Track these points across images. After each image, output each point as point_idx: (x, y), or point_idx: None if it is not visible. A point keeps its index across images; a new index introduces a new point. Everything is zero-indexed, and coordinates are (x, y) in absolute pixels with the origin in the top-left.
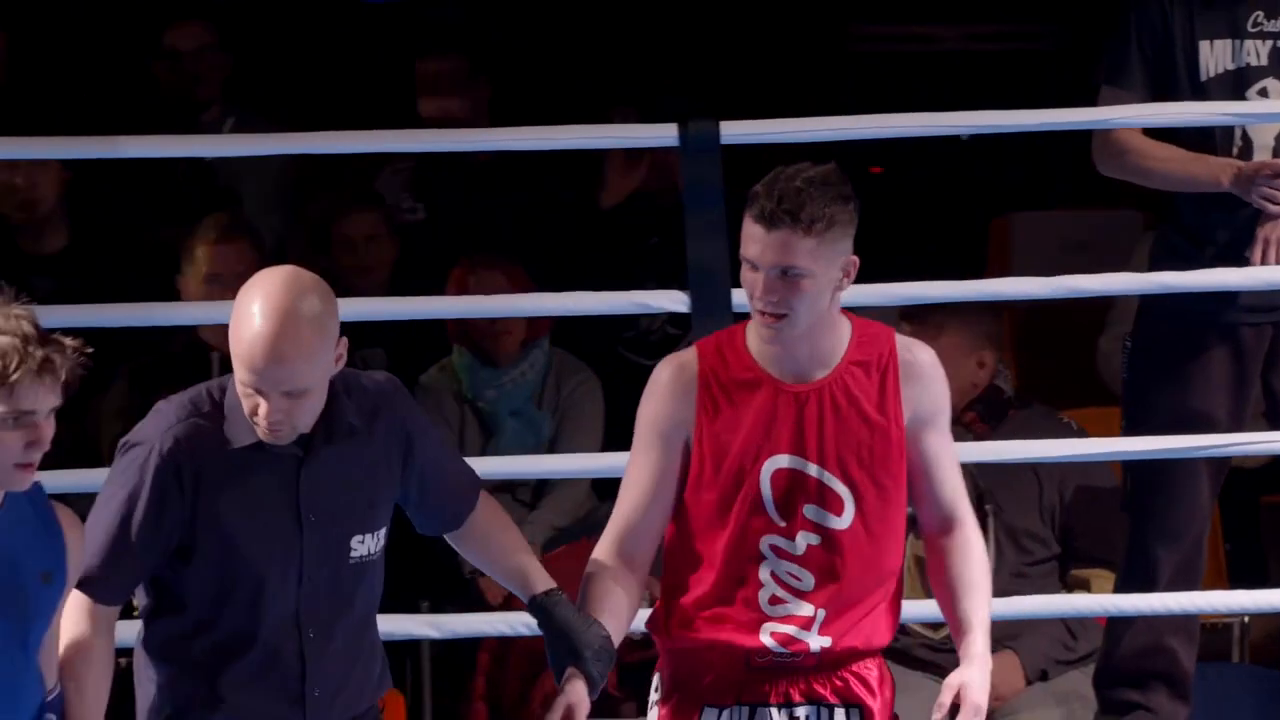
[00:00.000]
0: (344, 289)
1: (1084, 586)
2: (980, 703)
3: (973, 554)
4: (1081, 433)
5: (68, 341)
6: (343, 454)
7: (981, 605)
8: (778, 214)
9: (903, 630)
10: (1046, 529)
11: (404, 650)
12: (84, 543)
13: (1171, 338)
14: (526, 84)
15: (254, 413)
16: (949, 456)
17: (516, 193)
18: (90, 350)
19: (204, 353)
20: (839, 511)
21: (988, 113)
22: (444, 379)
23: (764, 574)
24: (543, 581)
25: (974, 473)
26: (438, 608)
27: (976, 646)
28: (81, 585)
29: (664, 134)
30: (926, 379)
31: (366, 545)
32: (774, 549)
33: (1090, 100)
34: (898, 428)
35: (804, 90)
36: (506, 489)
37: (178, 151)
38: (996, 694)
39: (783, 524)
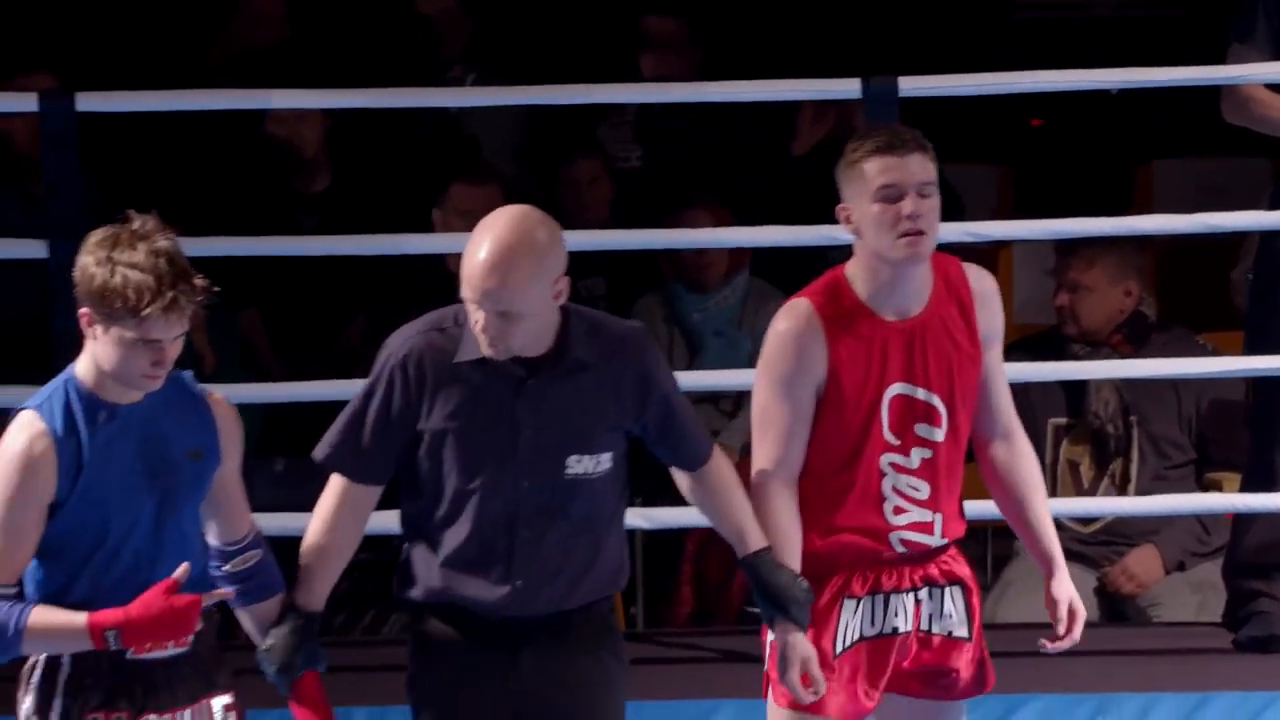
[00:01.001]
0: (567, 225)
1: (1217, 487)
2: (1083, 610)
3: (1031, 461)
4: (1215, 353)
5: (198, 282)
6: (566, 383)
7: (1046, 511)
8: (903, 142)
9: (1056, 525)
10: (1184, 437)
11: None
12: (235, 419)
13: None
14: (731, 46)
15: (477, 325)
16: (1003, 371)
17: (721, 142)
18: (217, 289)
19: (450, 281)
20: (939, 425)
21: (1133, 70)
22: (655, 303)
23: (887, 488)
24: (755, 542)
25: (1120, 387)
26: (650, 502)
27: (1058, 557)
28: (326, 462)
29: (848, 88)
30: (992, 303)
31: (584, 465)
32: (894, 466)
33: (1222, 60)
34: (976, 348)
35: (972, 53)
36: (710, 400)
37: (427, 103)
38: (1139, 582)
39: (898, 443)
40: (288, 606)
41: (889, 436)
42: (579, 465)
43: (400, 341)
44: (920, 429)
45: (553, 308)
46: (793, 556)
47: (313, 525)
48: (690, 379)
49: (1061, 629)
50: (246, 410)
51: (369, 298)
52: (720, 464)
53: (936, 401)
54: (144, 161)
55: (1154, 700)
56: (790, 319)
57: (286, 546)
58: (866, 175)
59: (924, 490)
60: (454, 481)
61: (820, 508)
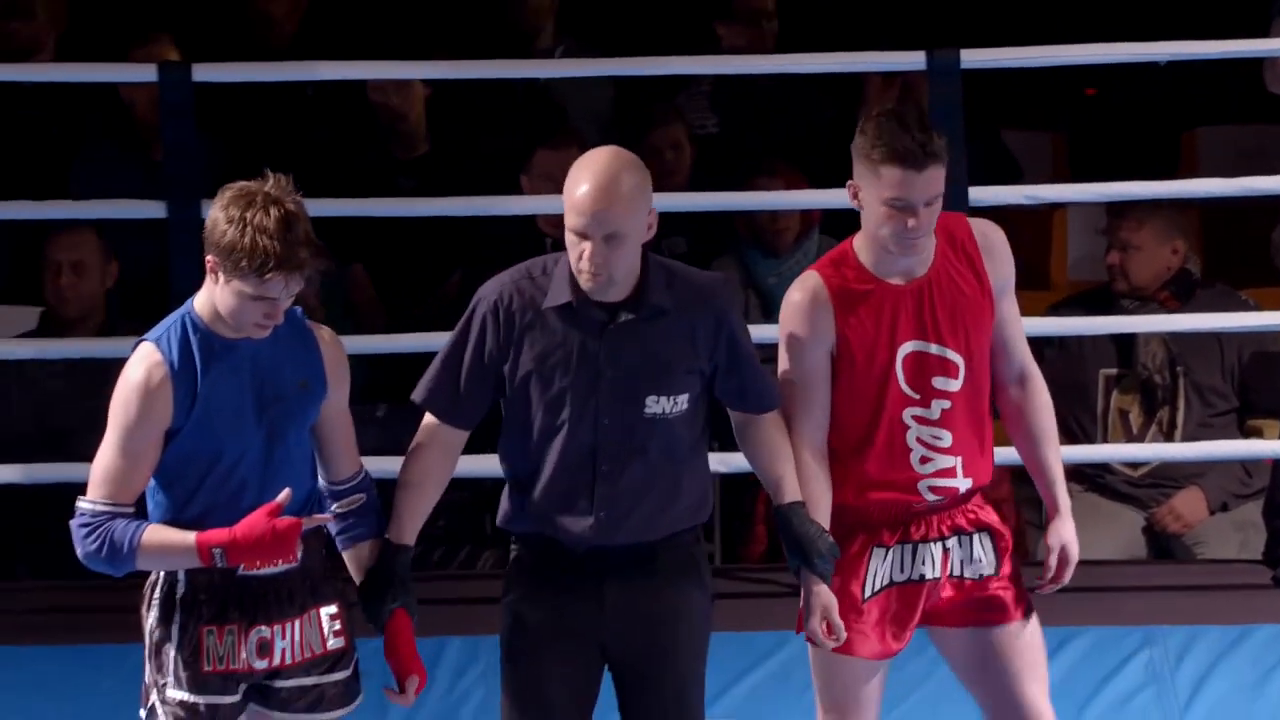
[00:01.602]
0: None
1: (1258, 434)
2: (1076, 556)
3: (1045, 405)
4: (1257, 308)
5: (318, 247)
6: (646, 328)
7: (1057, 456)
8: (923, 155)
9: (1107, 469)
10: (1227, 386)
11: None
12: (342, 353)
13: None
14: (805, 19)
15: (580, 259)
16: (1018, 317)
17: (793, 110)
18: (331, 259)
19: (537, 239)
20: (956, 376)
21: (1182, 43)
22: (731, 267)
23: (911, 440)
24: (791, 494)
25: (1167, 340)
26: (726, 448)
27: (1063, 502)
28: (422, 403)
29: (913, 60)
30: (1000, 253)
31: (661, 405)
32: (915, 418)
33: (1266, 32)
34: (988, 298)
35: (1030, 25)
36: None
37: (518, 74)
38: (1184, 522)
39: (917, 397)
40: (383, 546)
41: (908, 391)
42: (657, 405)
43: (491, 288)
44: (938, 381)
45: (645, 238)
46: (820, 508)
47: (405, 464)
48: (766, 333)
49: (1049, 574)
50: (350, 360)
51: (464, 255)
52: (775, 418)
53: (951, 354)
54: (258, 126)
55: (1198, 633)
56: (800, 290)
57: (387, 489)
58: (881, 179)
59: (946, 439)
60: (541, 420)
61: (852, 464)
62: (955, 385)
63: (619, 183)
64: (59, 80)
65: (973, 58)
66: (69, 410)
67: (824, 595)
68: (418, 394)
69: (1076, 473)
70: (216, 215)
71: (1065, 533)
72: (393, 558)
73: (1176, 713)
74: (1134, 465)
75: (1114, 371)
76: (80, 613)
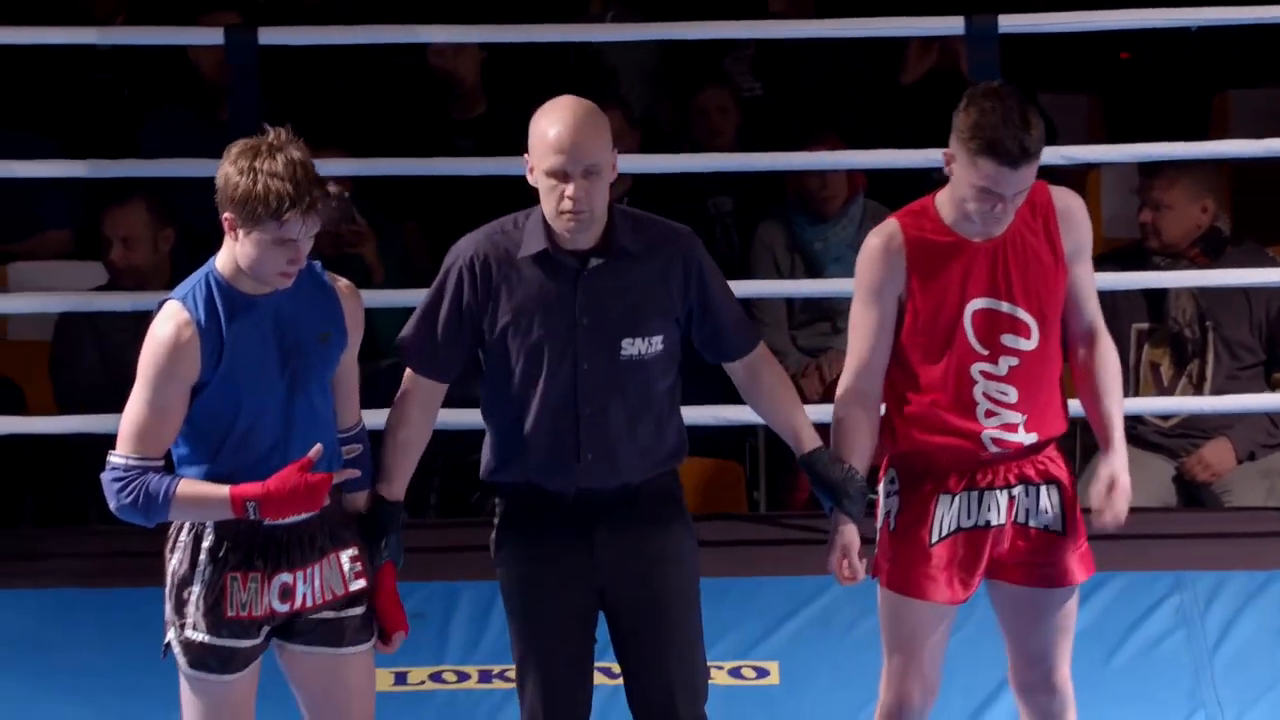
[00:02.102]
0: (698, 148)
1: None
2: (1128, 486)
3: (1111, 364)
4: None
5: (331, 188)
6: (617, 270)
7: (1118, 407)
8: (1022, 153)
9: (1139, 420)
10: (1255, 340)
11: (744, 431)
12: (359, 304)
13: None
14: None
15: (559, 201)
16: (1091, 282)
17: (836, 73)
18: (346, 194)
19: None
20: (1028, 336)
21: (1215, 9)
22: (778, 232)
23: (978, 394)
24: (810, 441)
25: (1197, 295)
26: None
27: (1117, 442)
28: (400, 356)
29: (952, 25)
30: (1077, 221)
31: (637, 347)
32: (983, 373)
33: None
34: (1061, 263)
35: None
36: (828, 318)
37: (570, 38)
38: (1213, 471)
39: (986, 353)
40: (374, 500)
41: (977, 346)
42: (632, 348)
43: (466, 245)
44: (1006, 339)
45: (611, 178)
46: (858, 450)
47: (389, 420)
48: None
49: (1096, 501)
50: (407, 314)
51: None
52: (766, 364)
53: (1021, 314)
54: (321, 88)
55: (1226, 578)
56: (879, 236)
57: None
58: (976, 166)
59: (1012, 395)
60: (521, 369)
61: (920, 412)
62: (1026, 345)
63: (590, 118)
64: (130, 44)
65: (1010, 23)
66: (135, 362)
67: (847, 534)
68: (398, 348)
69: None
70: (227, 170)
71: (1116, 464)
72: (383, 512)
73: (1205, 655)
74: (1164, 416)
75: (1146, 326)
76: (147, 557)
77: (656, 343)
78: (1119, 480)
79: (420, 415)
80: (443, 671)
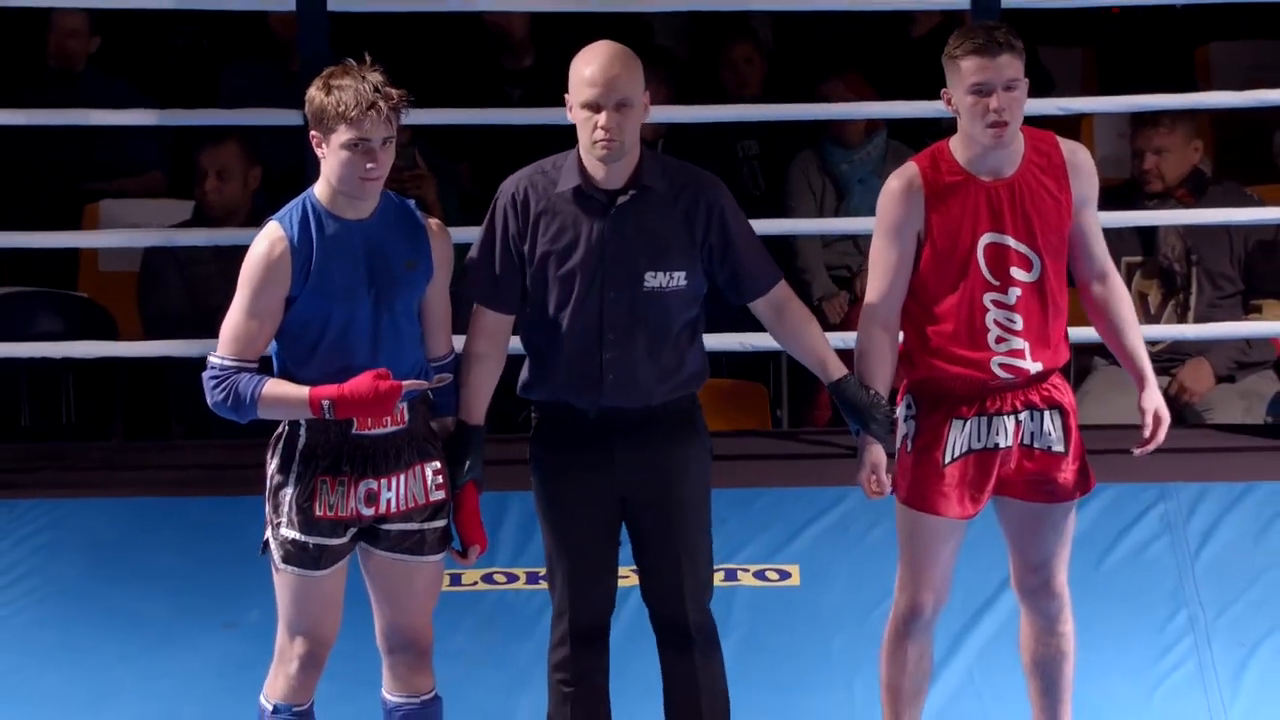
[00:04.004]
0: (727, 98)
1: (1259, 313)
2: (1167, 418)
3: (1125, 297)
4: (1261, 203)
5: (396, 92)
6: (643, 208)
7: (1139, 339)
8: (996, 44)
9: None
10: (1234, 271)
11: (767, 356)
12: (448, 242)
13: None
14: None
15: (593, 131)
16: (1098, 226)
17: (852, 28)
18: (411, 98)
19: None
20: (1030, 269)
21: None
22: (811, 156)
23: (989, 321)
24: (837, 370)
25: (1181, 231)
26: None
27: (1148, 374)
28: (465, 295)
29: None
30: (1085, 170)
31: (659, 280)
32: (994, 302)
33: None
34: (1067, 206)
35: None
36: (851, 239)
37: (613, 9)
38: (1194, 392)
39: (997, 283)
40: (458, 425)
41: (989, 277)
42: (655, 280)
43: (509, 183)
44: (1015, 271)
45: (643, 117)
46: (880, 376)
47: (463, 351)
48: (837, 225)
49: (1147, 433)
50: (464, 249)
51: None
52: (789, 302)
53: (1025, 249)
54: (383, 42)
55: (1206, 489)
56: (899, 178)
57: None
58: (963, 71)
59: (1019, 322)
60: (555, 295)
61: (937, 340)
62: (1028, 277)
63: (622, 57)
64: (210, 9)
65: None
66: (217, 292)
67: (875, 453)
68: (461, 289)
69: (1102, 348)
70: (310, 94)
71: (1155, 398)
72: (466, 435)
73: (1188, 559)
74: (1152, 342)
75: (1137, 259)
76: (226, 469)
77: (679, 278)
78: (1163, 416)
79: (489, 346)
80: (493, 573)
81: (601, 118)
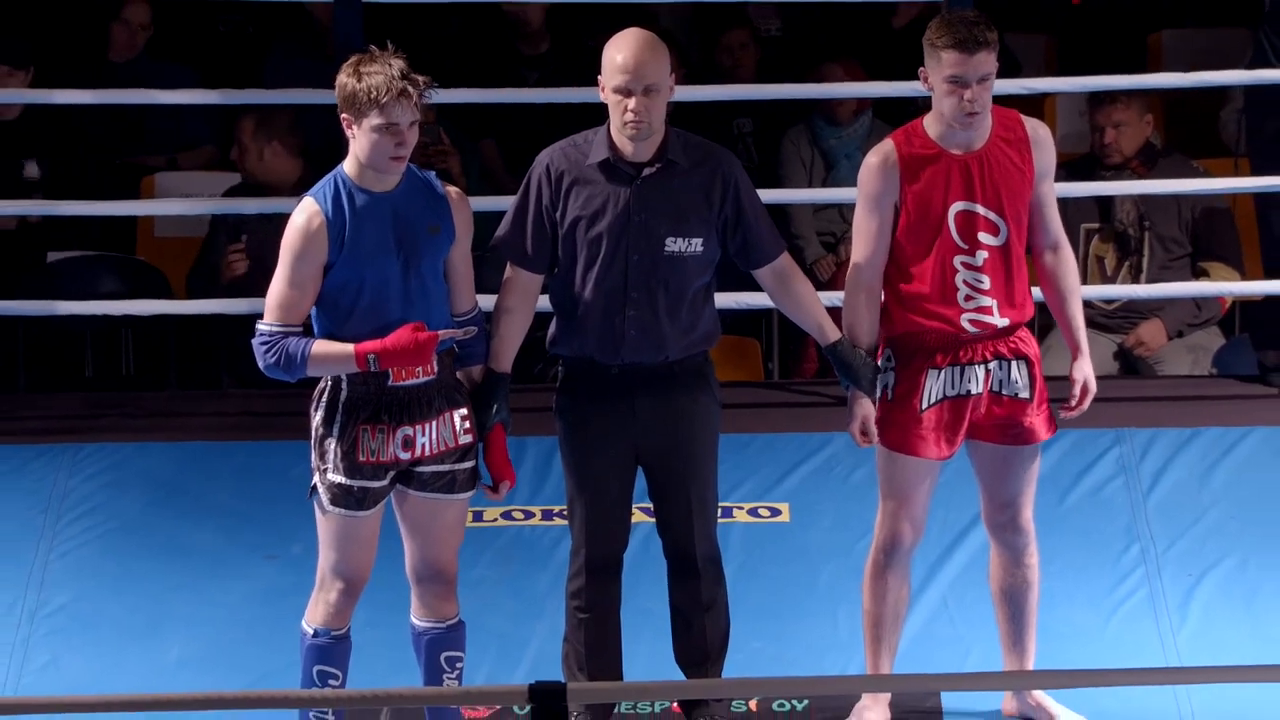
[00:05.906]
0: (724, 80)
1: (1206, 275)
2: (1094, 388)
3: (1073, 269)
4: (1206, 174)
5: (421, 78)
6: (667, 179)
7: (1079, 309)
8: (976, 41)
9: (1088, 304)
10: (1184, 236)
11: (759, 314)
12: (467, 209)
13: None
14: None
15: (623, 114)
16: (1054, 198)
17: (840, 16)
18: (435, 83)
19: None
20: (997, 234)
21: None
22: (802, 131)
23: (959, 281)
24: (833, 333)
25: (1136, 200)
26: None
27: (1083, 345)
28: (498, 251)
29: None
30: (1045, 145)
31: (679, 245)
32: (964, 264)
33: None
34: (1029, 177)
35: None
36: (837, 207)
37: None
38: (1147, 346)
39: (966, 247)
40: (486, 372)
41: (959, 241)
42: (674, 245)
43: (544, 155)
44: (982, 236)
45: (669, 97)
46: (865, 332)
47: (496, 305)
48: (826, 195)
49: (1074, 401)
50: (484, 216)
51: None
52: (791, 271)
53: (993, 216)
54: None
55: (1157, 434)
56: (876, 154)
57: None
58: (942, 61)
59: (986, 282)
60: (584, 257)
61: (912, 299)
62: (994, 241)
63: (651, 45)
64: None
65: None
66: (263, 255)
67: (864, 406)
68: (494, 243)
69: None
70: (340, 80)
71: (1086, 369)
72: (494, 382)
73: (1140, 497)
74: (1108, 301)
75: (1094, 225)
76: (273, 416)
77: (696, 244)
78: (1090, 384)
79: (519, 302)
80: (512, 511)
81: (631, 102)
